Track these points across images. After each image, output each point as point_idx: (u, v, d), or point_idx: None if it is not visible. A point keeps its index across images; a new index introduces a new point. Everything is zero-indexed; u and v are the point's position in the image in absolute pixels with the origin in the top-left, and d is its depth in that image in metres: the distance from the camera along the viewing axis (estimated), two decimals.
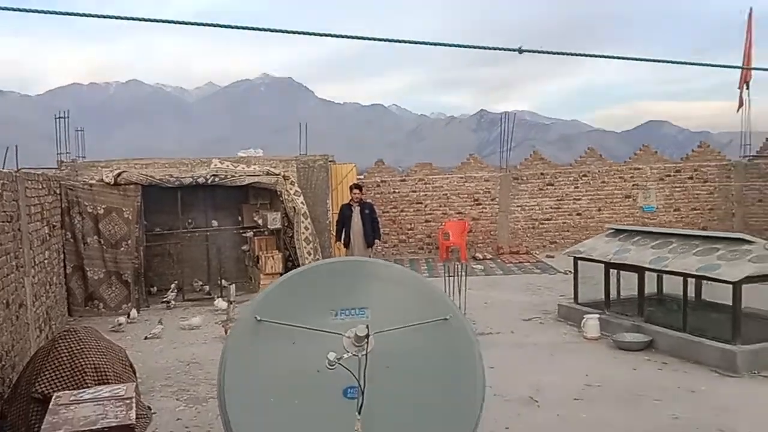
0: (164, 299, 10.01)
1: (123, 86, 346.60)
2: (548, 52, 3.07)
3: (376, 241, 10.60)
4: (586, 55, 3.30)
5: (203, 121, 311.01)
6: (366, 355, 3.29)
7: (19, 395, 4.59)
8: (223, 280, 10.68)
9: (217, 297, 9.76)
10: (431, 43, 3.34)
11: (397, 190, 15.12)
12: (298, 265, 10.61)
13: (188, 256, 11.21)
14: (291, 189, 11.06)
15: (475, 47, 3.15)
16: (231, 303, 8.66)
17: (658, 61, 3.20)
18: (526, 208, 15.23)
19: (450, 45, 3.34)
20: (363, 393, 3.23)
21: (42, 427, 3.47)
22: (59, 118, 11.80)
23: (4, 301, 5.48)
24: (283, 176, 11.04)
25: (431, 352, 3.72)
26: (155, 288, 10.90)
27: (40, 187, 7.68)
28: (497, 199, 15.20)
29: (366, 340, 3.34)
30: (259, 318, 3.63)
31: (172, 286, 10.45)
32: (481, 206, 15.18)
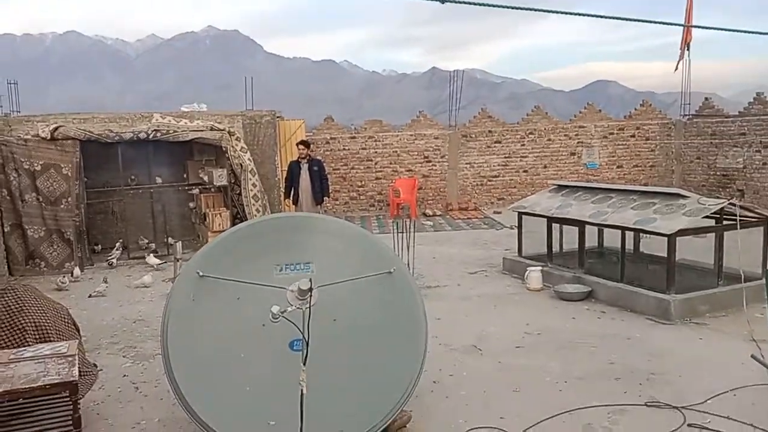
0: (108, 257, 9.80)
1: (60, 38, 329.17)
2: (471, 3, 3.03)
3: (325, 198, 10.58)
4: (506, 7, 3.24)
5: (146, 76, 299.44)
6: (309, 308, 3.32)
7: None
8: (169, 238, 10.49)
9: (149, 254, 9.68)
10: None
11: (347, 148, 15.04)
12: None
13: (132, 213, 10.94)
14: (237, 145, 10.84)
15: None
16: (178, 260, 8.54)
17: (595, 16, 3.23)
18: (475, 165, 15.42)
19: None
20: (308, 345, 3.28)
21: None
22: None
23: None
24: (228, 132, 10.80)
25: (376, 304, 3.79)
26: (99, 246, 10.66)
27: None
28: (447, 157, 15.32)
29: (309, 293, 3.37)
30: (201, 273, 3.61)
31: (117, 244, 10.23)
32: (431, 164, 15.27)
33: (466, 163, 15.39)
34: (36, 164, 9.29)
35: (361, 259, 3.89)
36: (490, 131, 15.48)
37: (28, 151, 9.29)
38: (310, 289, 3.35)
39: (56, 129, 9.48)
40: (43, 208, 9.31)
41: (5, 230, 9.07)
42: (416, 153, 15.23)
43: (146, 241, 10.90)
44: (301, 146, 10.55)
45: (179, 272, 8.17)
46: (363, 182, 15.10)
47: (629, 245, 7.47)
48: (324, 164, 11.29)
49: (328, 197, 10.90)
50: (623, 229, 6.86)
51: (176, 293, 3.76)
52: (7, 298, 4.67)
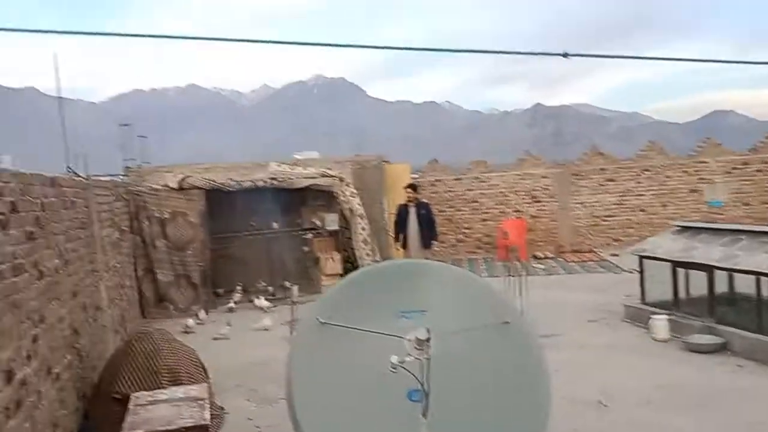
0: (231, 301, 10.32)
1: (182, 91, 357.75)
2: (594, 56, 3.00)
3: (434, 242, 10.57)
4: (632, 57, 3.19)
5: (259, 124, 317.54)
6: (428, 358, 3.31)
7: (101, 395, 4.84)
8: (285, 281, 10.90)
9: (259, 296, 10.16)
10: (471, 51, 3.34)
11: (452, 189, 15.06)
12: (357, 266, 10.75)
13: (251, 258, 11.48)
14: (347, 190, 11.19)
15: (518, 53, 3.12)
16: (294, 303, 8.84)
17: (707, 61, 3.09)
18: (587, 204, 14.90)
19: (492, 52, 3.32)
20: (427, 396, 3.26)
21: (123, 426, 3.65)
22: (123, 125, 12.31)
23: (83, 305, 5.76)
24: (339, 178, 11.18)
25: (494, 355, 3.72)
26: (222, 290, 11.24)
27: (109, 193, 8.03)
28: (556, 196, 14.93)
29: (427, 343, 3.36)
30: (321, 320, 3.71)
31: (237, 287, 10.75)
32: (539, 204, 14.94)
33: (578, 203, 14.91)
34: (165, 212, 10.03)
35: (478, 308, 3.85)
36: (602, 169, 14.96)
37: (159, 200, 10.06)
38: (428, 339, 3.34)
39: (183, 179, 10.24)
40: (171, 253, 9.99)
41: (138, 274, 9.80)
42: (524, 193, 14.97)
43: (264, 284, 11.38)
44: (408, 190, 10.67)
45: (296, 316, 8.49)
46: (469, 224, 15.01)
47: (764, 291, 6.86)
48: (431, 207, 11.35)
49: (437, 240, 10.88)
50: (758, 274, 6.32)
51: (298, 340, 3.88)
52: (143, 342, 5.03)
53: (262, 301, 9.92)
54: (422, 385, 3.17)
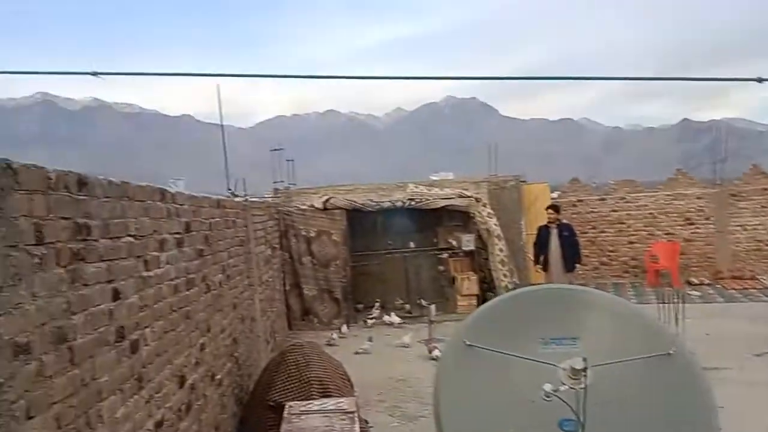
0: (370, 316, 10.60)
1: (321, 116, 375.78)
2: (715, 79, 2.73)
3: (577, 265, 10.14)
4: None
5: (392, 146, 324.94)
6: (584, 388, 3.19)
7: (256, 402, 5.16)
8: (421, 299, 10.99)
9: (390, 313, 10.40)
10: (616, 78, 3.18)
11: (595, 210, 14.39)
12: (494, 287, 10.61)
13: (389, 275, 11.73)
14: (483, 211, 11.10)
15: (703, 79, 2.92)
16: (432, 323, 8.90)
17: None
18: (748, 227, 13.60)
19: (654, 79, 3.14)
20: (583, 428, 3.13)
21: None
22: (275, 150, 13.15)
23: (241, 316, 6.20)
24: (476, 198, 11.13)
25: (653, 388, 3.50)
26: (361, 305, 11.58)
27: (263, 213, 8.60)
28: (713, 218, 13.78)
29: (583, 373, 3.24)
30: (468, 343, 3.69)
31: (376, 304, 11.02)
32: (693, 226, 13.86)
33: (738, 226, 13.65)
34: (311, 231, 10.55)
35: (634, 338, 3.66)
36: (764, 189, 13.60)
37: (305, 220, 10.61)
38: (585, 369, 3.22)
39: (328, 200, 10.72)
40: (316, 269, 10.48)
41: (286, 288, 10.37)
42: (675, 215, 13.96)
43: (401, 301, 11.56)
44: (550, 211, 10.34)
45: (433, 334, 8.54)
46: (614, 247, 14.24)
47: None
48: (574, 229, 10.91)
49: (580, 264, 10.42)
50: None
51: (445, 362, 3.89)
52: (295, 354, 5.30)
53: (393, 317, 10.20)
54: (577, 415, 3.06)
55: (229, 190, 7.87)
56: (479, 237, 11.05)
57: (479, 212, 10.97)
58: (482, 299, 10.72)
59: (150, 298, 3.21)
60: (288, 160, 14.68)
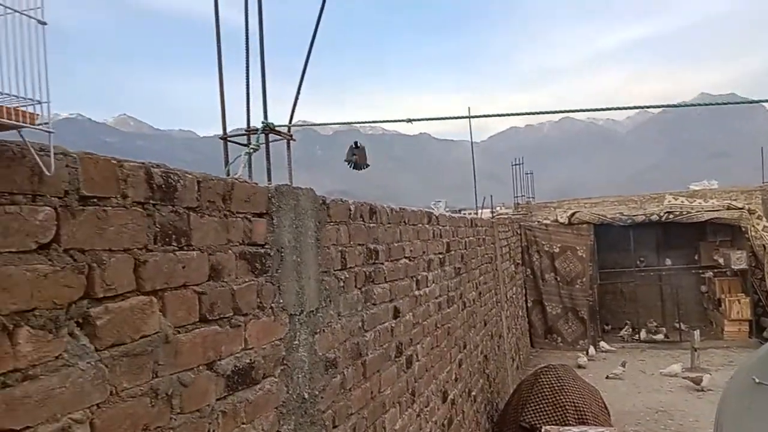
0: (620, 338, 9.97)
1: (555, 125, 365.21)
2: None
3: None
4: None
5: (634, 151, 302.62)
6: None
7: (507, 421, 5.15)
8: (680, 323, 10.00)
9: (642, 336, 9.52)
10: None
11: None
12: None
13: (640, 295, 10.90)
14: (758, 224, 9.71)
15: None
16: (696, 350, 8.05)
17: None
18: None
19: None
20: None
21: None
22: (516, 164, 13.08)
23: (490, 333, 6.26)
24: (749, 210, 9.80)
25: None
26: (609, 326, 10.94)
27: (507, 229, 8.59)
28: None
29: None
30: (758, 381, 3.26)
31: (626, 325, 10.32)
32: None
33: None
34: (555, 246, 10.26)
35: None
36: None
37: (548, 235, 10.34)
38: None
39: (573, 214, 10.33)
40: (560, 287, 10.15)
41: (528, 305, 10.22)
42: None
43: (655, 324, 10.66)
44: None
45: (697, 363, 7.71)
46: None
47: None
48: None
49: None
50: None
51: (728, 401, 3.49)
52: (549, 376, 5.18)
53: (646, 341, 9.45)
54: None
55: (479, 206, 8.01)
56: (752, 254, 9.71)
57: (753, 226, 9.64)
58: (756, 326, 9.44)
59: (420, 315, 3.40)
60: (527, 173, 14.53)
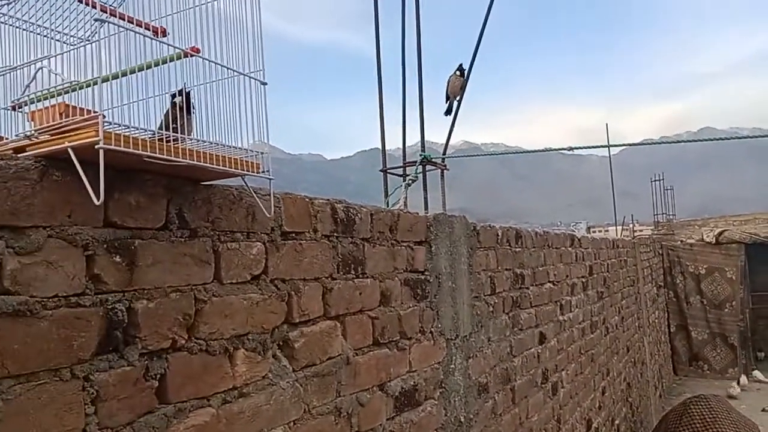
0: None
1: (694, 135, 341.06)
2: None
3: None
4: None
5: None
6: None
7: None
8: None
9: (750, 369, 8.59)
10: None
11: None
12: None
13: None
14: None
15: None
16: None
17: None
18: None
19: None
20: None
21: None
22: (654, 181, 12.35)
23: (633, 360, 5.96)
24: None
25: None
26: (763, 354, 10.00)
27: (648, 249, 8.15)
28: None
29: None
30: None
31: None
32: None
33: None
34: (700, 268, 9.56)
35: None
36: None
37: (693, 255, 9.66)
38: None
39: (721, 233, 9.58)
40: (707, 311, 9.43)
41: (671, 330, 9.58)
42: None
43: None
44: None
45: None
46: None
47: None
48: None
49: None
50: None
51: None
52: (700, 407, 4.82)
53: (757, 374, 8.61)
54: None
55: (622, 225, 7.69)
56: None
57: None
58: None
59: (564, 341, 3.34)
60: (667, 189, 13.69)
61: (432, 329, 1.85)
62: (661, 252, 9.52)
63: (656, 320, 8.15)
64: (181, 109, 0.97)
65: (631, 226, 11.86)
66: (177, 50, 0.95)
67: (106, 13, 0.98)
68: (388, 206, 2.55)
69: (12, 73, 0.97)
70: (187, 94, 0.99)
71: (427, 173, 2.75)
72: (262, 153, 1.05)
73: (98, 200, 0.82)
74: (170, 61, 0.95)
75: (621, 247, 5.70)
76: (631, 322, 6.06)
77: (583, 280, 3.92)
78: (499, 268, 2.44)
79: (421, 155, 2.64)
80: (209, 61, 0.99)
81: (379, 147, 2.90)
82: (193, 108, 1.01)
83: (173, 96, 0.98)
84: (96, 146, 0.79)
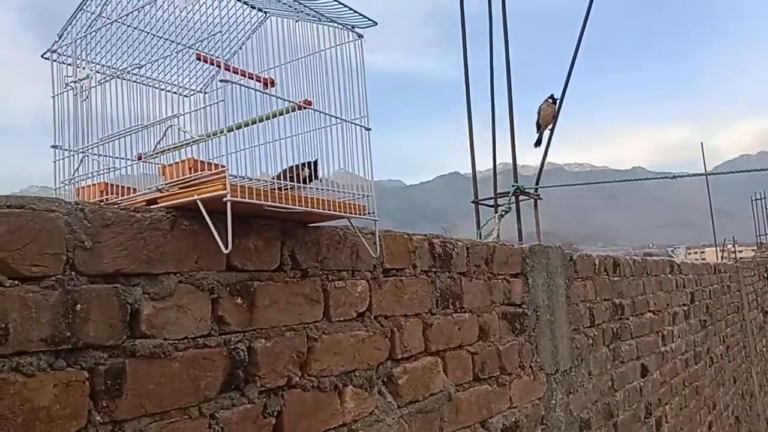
0: None
1: None
2: None
3: None
4: None
5: None
6: None
7: None
8: None
9: None
10: None
11: None
12: None
13: None
14: None
15: None
16: None
17: None
18: None
19: None
20: None
21: None
22: (756, 200, 11.60)
23: (740, 392, 5.57)
24: None
25: None
26: None
27: (752, 273, 7.64)
28: None
29: None
30: None
31: None
32: None
33: None
34: None
35: None
36: None
37: None
38: None
39: None
40: None
41: None
42: None
43: None
44: None
45: None
46: None
47: None
48: None
49: None
50: None
51: None
52: None
53: None
54: None
55: (721, 247, 7.27)
56: None
57: None
58: None
59: (667, 373, 3.18)
60: None
61: (531, 364, 1.82)
62: (766, 275, 8.89)
63: (764, 349, 7.58)
64: (305, 179, 1.02)
65: (730, 247, 11.17)
66: (290, 103, 1.01)
67: (220, 68, 1.05)
68: (480, 238, 2.54)
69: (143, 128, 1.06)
70: (315, 163, 1.04)
71: (520, 202, 2.71)
72: (367, 195, 1.08)
73: (227, 249, 0.87)
74: (285, 113, 1.00)
75: (723, 272, 5.38)
76: (737, 351, 5.67)
77: (685, 308, 3.73)
78: (598, 298, 2.36)
79: (513, 186, 2.61)
80: (319, 111, 1.04)
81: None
82: (318, 176, 1.05)
83: (304, 165, 1.03)
84: (224, 199, 0.84)
